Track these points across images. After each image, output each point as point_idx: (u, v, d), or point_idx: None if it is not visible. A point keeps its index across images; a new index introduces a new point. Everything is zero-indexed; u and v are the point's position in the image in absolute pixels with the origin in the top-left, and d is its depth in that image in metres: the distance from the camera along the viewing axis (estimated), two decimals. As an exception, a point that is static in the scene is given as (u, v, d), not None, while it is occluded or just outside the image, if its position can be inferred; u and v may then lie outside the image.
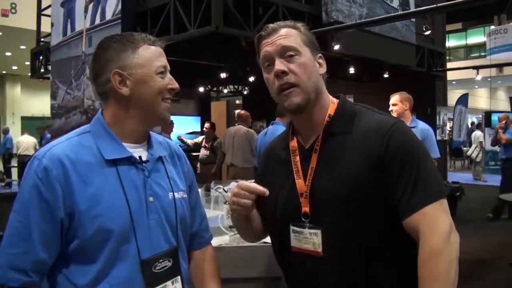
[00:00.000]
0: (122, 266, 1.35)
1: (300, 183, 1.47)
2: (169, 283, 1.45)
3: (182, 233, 1.54)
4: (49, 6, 9.53)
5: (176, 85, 1.47)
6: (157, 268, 1.42)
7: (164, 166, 1.53)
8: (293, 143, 1.55)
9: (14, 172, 14.06)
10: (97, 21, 7.42)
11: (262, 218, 1.65)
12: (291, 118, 1.59)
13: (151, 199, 1.43)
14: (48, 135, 12.27)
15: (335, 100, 1.54)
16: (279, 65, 1.43)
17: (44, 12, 10.51)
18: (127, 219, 1.36)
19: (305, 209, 1.45)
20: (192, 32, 6.28)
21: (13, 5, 13.94)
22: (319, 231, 1.42)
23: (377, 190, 1.37)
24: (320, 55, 1.51)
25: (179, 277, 1.49)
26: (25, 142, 13.27)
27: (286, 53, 1.43)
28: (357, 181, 1.37)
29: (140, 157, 1.45)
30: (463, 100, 12.76)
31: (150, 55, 1.43)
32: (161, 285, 1.43)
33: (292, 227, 1.49)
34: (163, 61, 1.46)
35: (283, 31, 1.46)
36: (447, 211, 1.35)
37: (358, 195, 1.37)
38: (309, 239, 1.45)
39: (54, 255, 1.34)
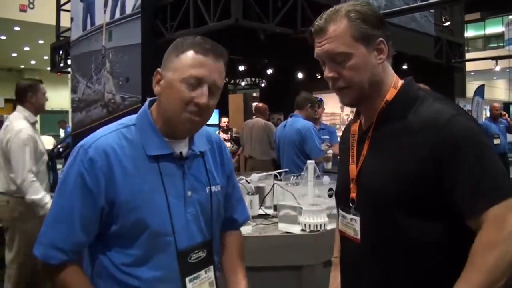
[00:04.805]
0: (160, 255, 1.43)
1: (353, 168, 1.46)
2: (202, 272, 1.52)
3: (216, 225, 1.60)
4: (69, 1, 9.61)
5: (202, 100, 1.40)
6: (192, 258, 1.49)
7: (203, 160, 1.57)
8: (354, 127, 1.52)
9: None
10: (117, 15, 7.46)
11: None
12: None
13: (189, 193, 1.49)
14: (69, 129, 12.39)
15: (399, 84, 1.44)
16: (329, 72, 1.40)
17: (63, 7, 10.60)
18: (165, 214, 1.43)
19: (353, 195, 1.45)
20: (211, 25, 6.31)
21: (31, 0, 14.09)
22: (358, 218, 1.43)
23: (424, 184, 1.28)
24: (380, 39, 1.40)
25: (211, 267, 1.55)
26: (43, 140, 13.36)
27: (335, 58, 1.37)
28: (402, 173, 1.31)
29: (181, 152, 1.50)
30: (479, 91, 12.62)
31: (187, 62, 1.40)
32: (196, 274, 1.50)
33: (340, 211, 1.53)
34: (200, 72, 1.40)
35: (331, 30, 1.36)
36: None
37: (400, 188, 1.31)
38: (350, 224, 1.46)
39: (92, 237, 1.43)
